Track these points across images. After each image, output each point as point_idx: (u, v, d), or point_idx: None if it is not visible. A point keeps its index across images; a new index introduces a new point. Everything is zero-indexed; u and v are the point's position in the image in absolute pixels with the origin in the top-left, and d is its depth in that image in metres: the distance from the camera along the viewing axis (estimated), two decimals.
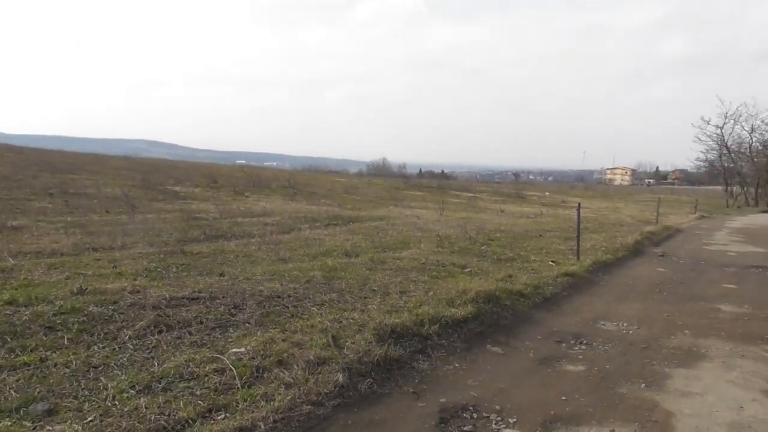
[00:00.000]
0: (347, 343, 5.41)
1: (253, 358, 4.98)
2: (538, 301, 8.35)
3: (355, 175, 74.29)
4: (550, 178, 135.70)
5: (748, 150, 52.72)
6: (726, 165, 53.96)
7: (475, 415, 4.66)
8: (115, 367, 4.74)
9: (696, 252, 15.57)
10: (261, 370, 4.81)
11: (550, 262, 11.13)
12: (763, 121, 52.43)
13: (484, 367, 5.74)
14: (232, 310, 6.24)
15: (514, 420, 4.59)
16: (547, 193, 53.79)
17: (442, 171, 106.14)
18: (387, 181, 53.23)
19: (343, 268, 8.72)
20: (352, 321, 6.07)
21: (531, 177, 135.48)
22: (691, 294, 9.70)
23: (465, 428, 4.44)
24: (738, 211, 41.38)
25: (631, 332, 7.21)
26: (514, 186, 66.98)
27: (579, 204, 12.92)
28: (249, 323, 5.91)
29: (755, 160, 52.38)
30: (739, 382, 5.63)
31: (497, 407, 4.80)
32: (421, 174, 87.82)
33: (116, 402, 4.12)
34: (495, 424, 4.54)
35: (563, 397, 5.05)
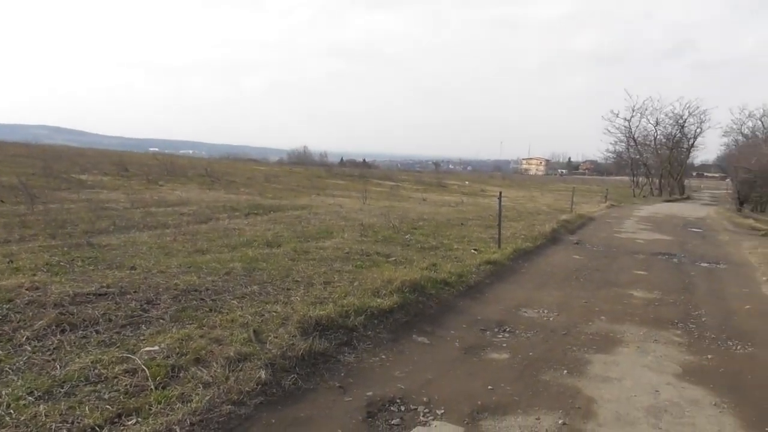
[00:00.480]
0: (270, 338, 5.16)
1: (168, 357, 4.64)
2: (462, 289, 8.38)
3: (276, 163, 72.85)
4: (469, 168, 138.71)
5: (653, 142, 55.93)
6: (633, 156, 57.01)
7: (402, 408, 4.56)
8: (11, 371, 4.27)
9: (608, 239, 16.28)
10: (177, 370, 4.48)
11: (473, 251, 11.25)
12: (666, 115, 55.90)
13: (411, 358, 5.65)
14: (144, 305, 5.81)
15: (442, 411, 4.52)
16: (467, 183, 54.95)
17: (364, 160, 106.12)
18: (308, 170, 52.59)
19: (265, 259, 8.40)
20: (274, 314, 5.81)
21: (451, 166, 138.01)
22: (605, 280, 10.07)
23: (393, 422, 4.33)
24: (644, 200, 43.87)
25: (551, 319, 7.36)
26: (435, 175, 68.04)
27: (500, 193, 13.15)
28: (163, 319, 5.52)
29: (659, 152, 55.69)
30: (653, 366, 5.84)
31: (425, 399, 4.72)
32: (342, 162, 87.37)
33: (11, 410, 3.70)
34: (423, 416, 4.45)
35: (489, 387, 5.04)
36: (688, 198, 52.95)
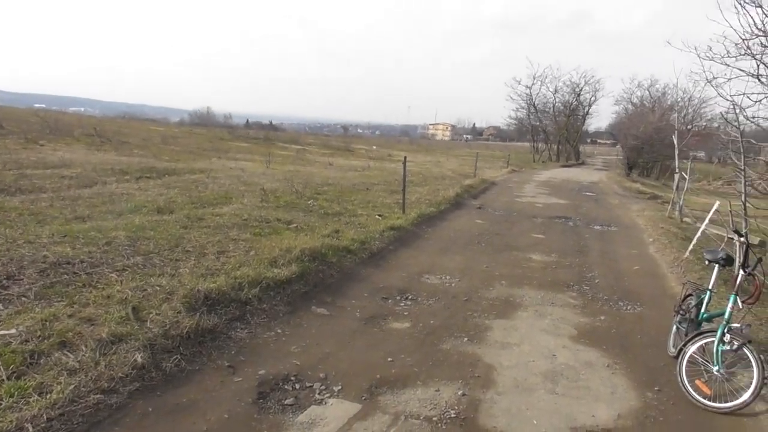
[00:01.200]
0: (151, 315, 4.70)
1: (27, 341, 4.09)
2: (365, 256, 8.17)
3: (176, 124, 69.24)
4: (377, 132, 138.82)
5: (551, 109, 58.04)
6: (533, 123, 58.93)
7: (297, 386, 4.29)
8: None
9: (509, 204, 16.67)
10: (37, 356, 3.96)
11: (377, 216, 11.07)
12: (564, 84, 58.11)
13: (309, 331, 5.37)
14: (3, 281, 5.14)
15: (339, 387, 4.30)
16: (375, 147, 54.82)
17: (270, 122, 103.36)
18: (211, 132, 50.32)
19: (154, 227, 7.75)
20: (158, 288, 5.31)
21: (359, 130, 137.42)
22: (506, 245, 10.22)
23: (286, 402, 4.06)
24: (543, 165, 45.62)
25: (453, 285, 7.31)
26: (342, 139, 67.35)
27: (405, 158, 12.99)
28: (26, 297, 4.89)
29: (557, 119, 57.89)
30: (550, 330, 5.91)
31: (321, 375, 4.48)
32: (248, 125, 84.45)
33: None
34: (319, 393, 4.21)
35: (389, 359, 4.87)
36: (582, 163, 55.63)
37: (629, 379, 4.83)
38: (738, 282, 4.54)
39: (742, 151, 10.87)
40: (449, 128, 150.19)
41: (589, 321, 6.31)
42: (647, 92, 49.77)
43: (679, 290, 7.74)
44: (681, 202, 16.23)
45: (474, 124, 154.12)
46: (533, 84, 55.52)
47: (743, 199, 9.72)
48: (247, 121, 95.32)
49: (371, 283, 7.10)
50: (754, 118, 11.17)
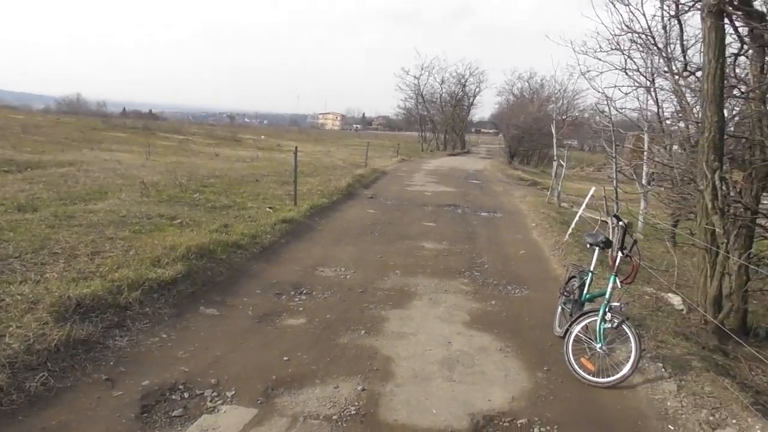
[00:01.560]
0: (11, 329, 4.17)
1: None
2: (256, 251, 7.87)
3: (40, 112, 63.51)
4: (265, 122, 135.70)
5: (438, 99, 59.70)
6: (421, 113, 60.30)
7: (186, 395, 4.01)
8: None
9: (400, 193, 16.86)
10: None
11: (268, 209, 10.74)
12: (450, 74, 59.89)
13: (197, 334, 5.06)
14: None
15: (233, 392, 4.07)
16: (263, 137, 53.58)
17: (150, 111, 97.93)
18: (81, 120, 46.65)
19: (13, 228, 6.96)
20: (20, 297, 4.73)
21: (246, 120, 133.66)
22: (398, 234, 10.29)
23: (174, 413, 3.77)
24: (431, 154, 46.80)
25: (348, 277, 7.22)
26: (229, 129, 65.20)
27: (296, 148, 12.71)
28: None
29: (444, 109, 59.62)
30: (445, 317, 5.99)
31: (213, 380, 4.22)
32: (125, 113, 79.44)
33: None
34: (210, 400, 3.96)
35: (285, 358, 4.69)
36: (468, 152, 57.73)
37: (521, 360, 4.99)
38: (617, 263, 4.81)
39: (612, 139, 11.66)
40: (339, 118, 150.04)
41: (481, 306, 6.47)
42: (527, 84, 52.49)
43: (561, 273, 8.17)
44: (559, 188, 17.23)
45: (364, 113, 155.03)
46: (421, 74, 56.72)
47: (614, 184, 10.43)
48: (124, 109, 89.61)
49: (263, 279, 6.84)
50: (622, 109, 12.02)
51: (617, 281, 4.80)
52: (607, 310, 4.64)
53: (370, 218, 11.78)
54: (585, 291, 5.26)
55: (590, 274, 5.28)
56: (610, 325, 4.62)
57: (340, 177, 17.47)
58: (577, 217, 10.72)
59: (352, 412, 3.93)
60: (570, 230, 10.45)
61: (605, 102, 11.49)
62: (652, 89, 10.04)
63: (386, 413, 3.96)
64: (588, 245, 5.47)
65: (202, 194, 11.75)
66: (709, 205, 6.33)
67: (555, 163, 18.09)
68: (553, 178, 17.96)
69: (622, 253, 4.80)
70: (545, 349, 5.31)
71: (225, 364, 4.51)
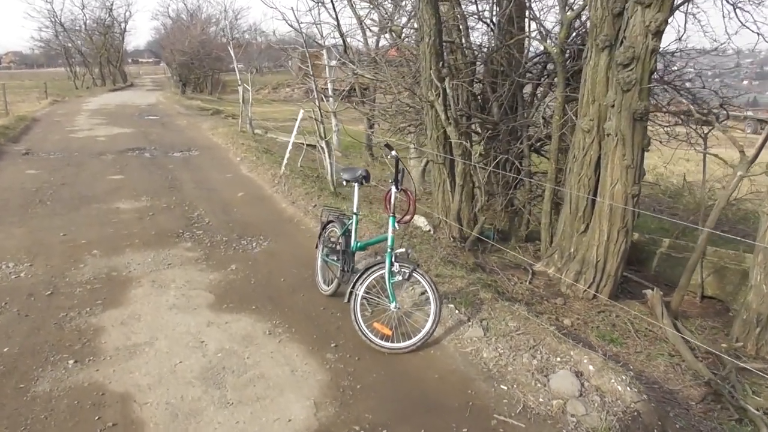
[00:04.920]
0: None
1: None
2: None
3: None
4: None
5: (83, 28, 51.51)
6: (65, 44, 51.47)
7: None
8: None
9: (65, 142, 13.65)
10: None
11: None
12: None
13: None
14: None
15: None
16: None
17: None
18: None
19: None
20: None
21: None
22: (80, 196, 8.03)
23: None
24: (89, 92, 40.36)
25: (23, 275, 5.11)
26: None
27: None
28: None
29: (93, 38, 51.86)
30: (181, 304, 4.55)
31: None
32: None
33: None
34: None
35: None
36: (132, 86, 51.86)
37: (300, 342, 3.96)
38: (393, 202, 4.00)
39: (307, 57, 10.88)
40: None
41: (221, 276, 5.18)
42: (183, 5, 48.55)
43: (293, 212, 7.27)
44: (250, 115, 16.13)
45: None
46: None
47: (317, 104, 9.71)
48: None
49: None
50: (303, 24, 11.26)
51: (395, 223, 4.02)
52: (393, 260, 3.84)
53: (33, 181, 9.02)
54: (353, 238, 4.39)
55: (354, 216, 4.41)
56: (400, 278, 3.84)
57: None
58: (290, 146, 9.81)
59: None
60: (285, 161, 9.54)
61: (282, 19, 10.58)
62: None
63: None
64: (344, 182, 4.57)
65: None
66: (443, 116, 5.98)
67: (240, 88, 16.82)
68: (241, 105, 16.69)
69: (397, 188, 4.00)
70: (321, 317, 4.36)
71: None
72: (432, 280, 3.83)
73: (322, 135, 9.11)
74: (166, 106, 26.55)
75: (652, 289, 5.44)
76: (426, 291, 3.84)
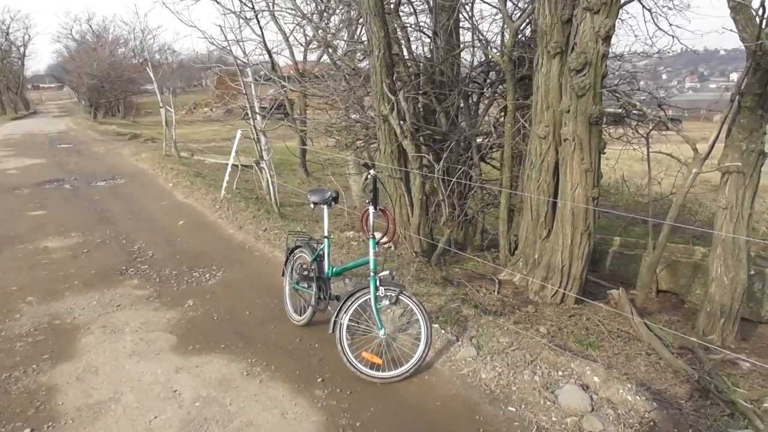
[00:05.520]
0: None
1: None
2: None
3: None
4: None
5: None
6: None
7: None
8: None
9: None
10: None
11: None
12: None
13: None
14: None
15: None
16: None
17: None
18: None
19: None
20: None
21: None
22: (0, 238, 7.32)
23: None
24: None
25: None
26: None
27: None
28: None
29: None
30: (142, 350, 4.16)
31: None
32: None
33: None
34: None
35: None
36: (35, 113, 48.74)
37: (283, 381, 3.68)
38: (371, 222, 3.79)
39: (240, 74, 10.57)
40: None
41: (179, 314, 4.79)
42: (88, 26, 46.30)
43: (243, 238, 6.94)
44: (174, 137, 15.48)
45: None
46: None
47: (252, 123, 9.37)
48: None
49: None
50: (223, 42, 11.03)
51: (375, 245, 3.82)
52: (378, 284, 3.65)
53: None
54: (327, 263, 4.16)
55: (326, 240, 4.18)
56: (387, 302, 3.65)
57: None
58: (229, 168, 9.39)
59: None
60: (225, 184, 9.12)
61: (204, 37, 10.19)
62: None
63: None
64: (312, 204, 4.33)
65: None
66: (397, 130, 5.85)
67: (162, 110, 16.11)
68: (164, 127, 15.96)
69: (375, 208, 3.80)
70: (299, 349, 4.10)
71: None
72: (419, 301, 3.66)
73: (262, 155, 8.79)
74: (79, 132, 25.09)
75: (617, 289, 5.52)
76: (406, 313, 3.69)
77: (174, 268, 5.91)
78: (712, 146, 4.89)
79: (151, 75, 16.58)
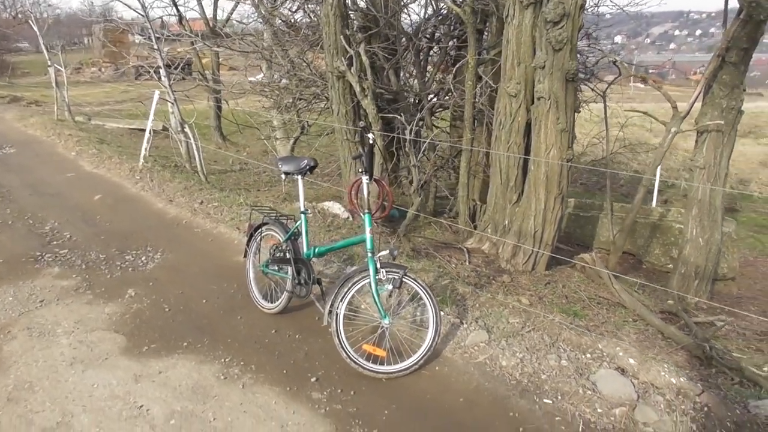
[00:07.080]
0: None
1: None
2: None
3: None
4: None
5: None
6: None
7: None
8: None
9: None
10: None
11: None
12: None
13: None
14: None
15: None
16: None
17: None
18: None
19: None
20: None
21: None
22: None
23: None
24: None
25: None
26: None
27: None
28: None
29: None
30: (84, 355, 3.45)
31: None
32: None
33: None
34: None
35: None
36: None
37: (270, 384, 3.14)
38: (367, 195, 3.26)
39: (151, 30, 9.46)
40: None
41: (121, 307, 4.08)
42: None
43: (176, 212, 6.17)
44: (67, 100, 13.88)
45: None
46: None
47: (168, 83, 8.40)
48: None
49: None
50: None
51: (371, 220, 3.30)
52: (378, 266, 3.15)
53: None
54: (305, 242, 3.61)
55: (303, 216, 3.61)
56: (390, 286, 3.16)
57: None
58: (147, 133, 8.36)
59: None
60: (144, 152, 8.13)
61: None
62: None
63: None
64: (284, 175, 3.72)
65: None
66: (357, 88, 5.29)
67: (52, 70, 14.35)
68: (55, 89, 14.25)
69: (369, 178, 3.26)
70: (278, 343, 3.55)
71: None
72: (425, 284, 3.22)
73: (183, 118, 7.89)
74: None
75: (588, 253, 5.36)
76: (421, 296, 3.22)
77: (101, 252, 5.09)
78: (692, 105, 4.75)
79: (36, 30, 14.66)
